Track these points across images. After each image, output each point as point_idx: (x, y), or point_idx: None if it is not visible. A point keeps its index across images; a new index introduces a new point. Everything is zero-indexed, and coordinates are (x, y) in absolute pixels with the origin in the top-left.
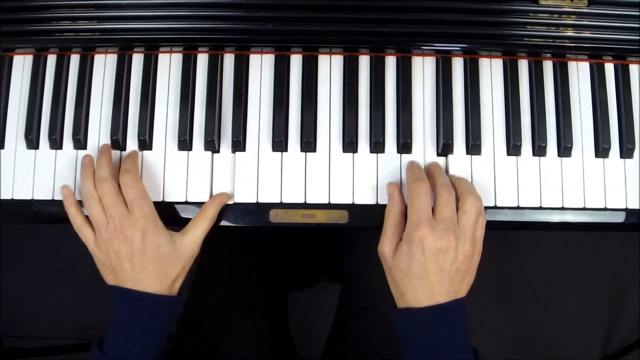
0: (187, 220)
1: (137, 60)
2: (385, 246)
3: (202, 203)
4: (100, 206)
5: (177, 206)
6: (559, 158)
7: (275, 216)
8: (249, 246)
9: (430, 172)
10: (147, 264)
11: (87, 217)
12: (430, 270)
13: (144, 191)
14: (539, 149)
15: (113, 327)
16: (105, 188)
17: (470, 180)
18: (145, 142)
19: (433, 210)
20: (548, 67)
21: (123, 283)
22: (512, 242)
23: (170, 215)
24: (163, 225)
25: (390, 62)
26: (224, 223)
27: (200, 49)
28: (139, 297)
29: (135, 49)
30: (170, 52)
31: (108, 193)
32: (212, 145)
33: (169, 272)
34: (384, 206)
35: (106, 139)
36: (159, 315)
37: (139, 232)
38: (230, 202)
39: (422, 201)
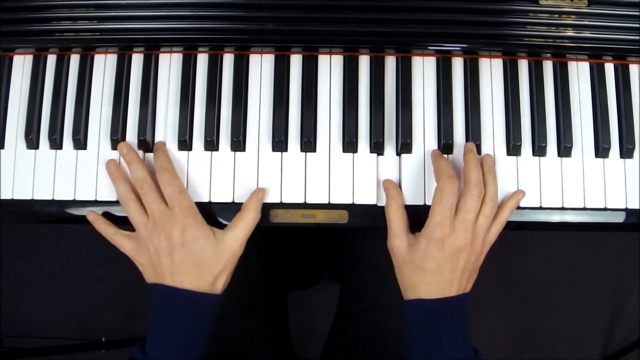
0: None
1: (137, 60)
2: (395, 240)
3: (202, 203)
4: (139, 205)
5: None
6: (559, 158)
7: (275, 216)
8: (249, 246)
9: (465, 160)
10: (185, 258)
11: (117, 225)
12: (444, 268)
13: (181, 186)
14: (539, 149)
15: (152, 325)
16: (146, 187)
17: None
18: (145, 142)
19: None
20: (548, 67)
21: (162, 279)
22: (512, 242)
23: None
24: (203, 220)
25: (390, 62)
26: (224, 223)
27: (200, 49)
28: (176, 293)
29: (135, 49)
30: (170, 52)
31: (149, 190)
32: (212, 145)
33: (209, 268)
34: (384, 207)
35: (106, 139)
36: (197, 312)
37: (178, 226)
38: (229, 201)
39: (450, 202)
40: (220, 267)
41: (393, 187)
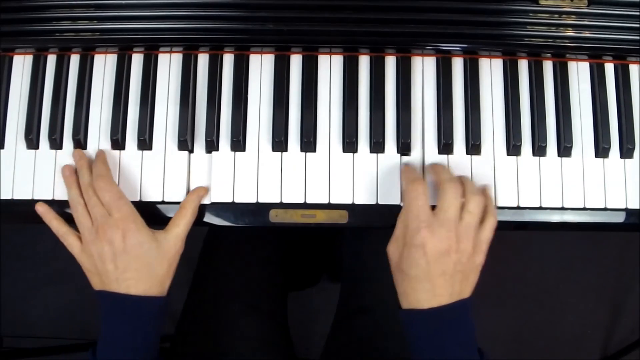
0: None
1: (137, 60)
2: (391, 246)
3: (202, 203)
4: (86, 210)
5: (176, 206)
6: (559, 158)
7: (275, 216)
8: (249, 246)
9: (433, 170)
10: (129, 263)
11: (70, 226)
12: (432, 273)
13: (119, 192)
14: (539, 149)
15: (102, 332)
16: (90, 192)
17: (470, 180)
18: (145, 142)
19: (434, 207)
20: (548, 67)
21: (108, 286)
22: (512, 242)
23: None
24: (145, 223)
25: (390, 62)
26: (224, 223)
27: (200, 49)
28: (122, 300)
29: (135, 49)
30: (170, 52)
31: (93, 195)
32: (212, 145)
33: (155, 271)
34: (384, 206)
35: (106, 139)
36: (144, 317)
37: (119, 232)
38: (229, 201)
39: (420, 204)
40: (165, 268)
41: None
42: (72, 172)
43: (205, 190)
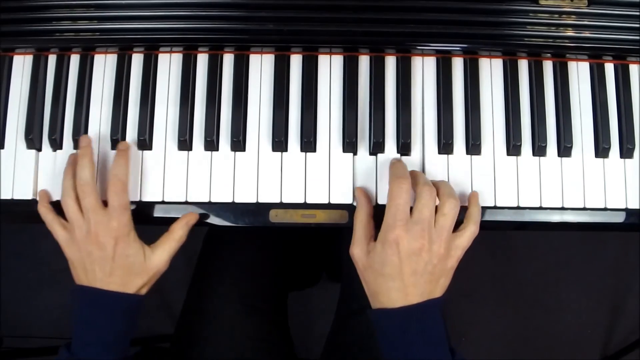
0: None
1: (137, 60)
2: (356, 248)
3: (202, 203)
4: (77, 206)
5: (175, 206)
6: (559, 158)
7: (275, 216)
8: (249, 246)
9: (410, 174)
10: (115, 270)
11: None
12: (404, 271)
13: (127, 201)
14: (539, 149)
15: (77, 324)
16: (87, 191)
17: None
18: (145, 142)
19: (411, 208)
20: (548, 67)
21: (92, 283)
22: (512, 242)
23: (169, 215)
24: (136, 236)
25: (390, 62)
26: (224, 223)
27: (200, 49)
28: (101, 294)
29: (135, 49)
30: (170, 52)
31: (88, 196)
32: (212, 145)
33: (134, 281)
34: (384, 206)
35: (106, 139)
36: (119, 311)
37: (112, 240)
38: (229, 201)
39: (401, 202)
40: (144, 281)
41: (364, 196)
42: (75, 162)
43: (196, 216)
